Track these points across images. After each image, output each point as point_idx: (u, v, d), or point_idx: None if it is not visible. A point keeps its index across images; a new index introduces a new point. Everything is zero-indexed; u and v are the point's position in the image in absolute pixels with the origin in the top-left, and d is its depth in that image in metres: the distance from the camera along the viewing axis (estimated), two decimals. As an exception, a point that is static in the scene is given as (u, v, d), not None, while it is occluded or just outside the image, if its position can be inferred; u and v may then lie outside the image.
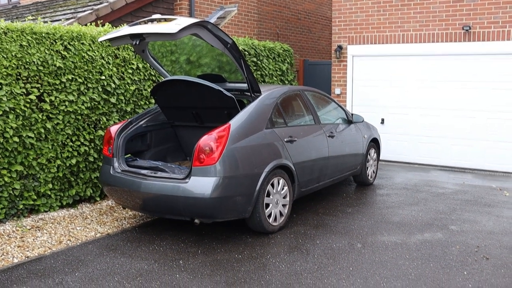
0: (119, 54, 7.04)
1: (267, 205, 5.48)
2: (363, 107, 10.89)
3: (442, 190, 7.99)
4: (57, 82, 6.17)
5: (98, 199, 6.90)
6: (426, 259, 4.90)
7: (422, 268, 4.67)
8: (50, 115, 6.14)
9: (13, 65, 5.74)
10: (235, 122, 5.27)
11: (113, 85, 6.88)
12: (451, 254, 5.07)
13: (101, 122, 6.79)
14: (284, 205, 5.75)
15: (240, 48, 8.56)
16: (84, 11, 9.27)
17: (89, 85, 6.58)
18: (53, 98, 6.12)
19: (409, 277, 4.46)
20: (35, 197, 6.05)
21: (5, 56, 5.70)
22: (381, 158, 10.51)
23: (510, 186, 8.35)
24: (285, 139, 5.78)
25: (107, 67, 6.82)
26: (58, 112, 6.21)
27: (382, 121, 10.70)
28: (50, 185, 6.19)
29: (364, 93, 10.94)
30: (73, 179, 6.52)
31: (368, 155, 8.02)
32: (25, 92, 5.89)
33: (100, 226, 5.85)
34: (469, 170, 9.80)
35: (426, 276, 4.50)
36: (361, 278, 4.43)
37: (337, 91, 11.19)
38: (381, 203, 7.05)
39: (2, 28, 5.75)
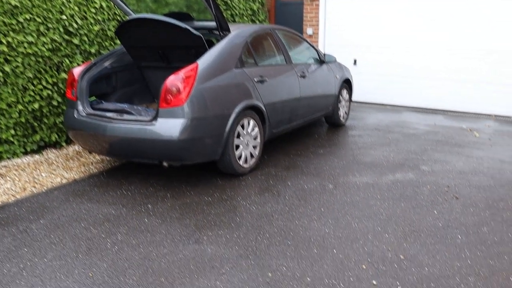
0: (80, -8, 6.68)
1: (237, 147, 5.37)
2: (336, 47, 10.72)
3: (414, 131, 7.98)
4: (14, 22, 5.80)
5: (64, 144, 6.69)
6: (397, 199, 4.90)
7: (393, 208, 4.66)
8: (8, 57, 5.81)
9: (-36, 3, 5.38)
10: (203, 61, 5.07)
11: (75, 25, 6.54)
12: (422, 194, 5.07)
13: (64, 65, 6.49)
14: (254, 147, 5.65)
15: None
16: None
17: (49, 25, 6.23)
18: (10, 39, 5.78)
19: (380, 217, 4.44)
20: (-3, 143, 5.83)
21: (-45, -7, 5.33)
22: (353, 99, 10.47)
23: (480, 127, 8.40)
24: (256, 79, 5.62)
25: (68, 6, 6.46)
26: (16, 54, 5.89)
27: (355, 62, 10.57)
28: (12, 131, 5.95)
29: (337, 33, 10.73)
30: (36, 124, 6.27)
31: (340, 96, 7.91)
32: (-21, 32, 5.56)
33: (66, 171, 5.68)
34: (440, 111, 9.82)
35: (397, 216, 4.49)
36: (333, 218, 4.39)
37: (309, 31, 10.95)
38: (353, 144, 7.01)
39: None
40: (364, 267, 3.55)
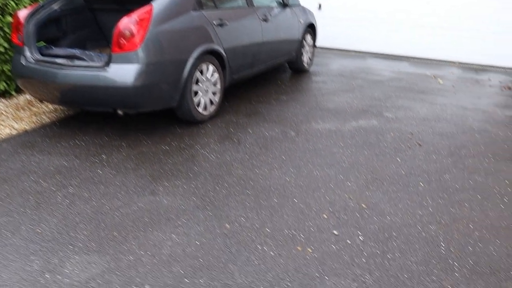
0: None
1: (196, 93, 5.15)
2: (300, -8, 10.38)
3: (378, 77, 7.87)
4: (-49, -42, 5.35)
5: (13, 93, 6.32)
6: (360, 147, 4.80)
7: (356, 156, 4.57)
8: None
9: None
10: (159, 3, 4.75)
11: (20, -36, 6.08)
12: (385, 141, 4.99)
13: (9, 7, 6.04)
14: (214, 93, 5.43)
15: None
16: None
17: (-8, -37, 5.77)
18: None
19: (342, 165, 4.34)
20: None
21: None
22: (317, 44, 10.24)
23: (445, 74, 8.34)
24: (215, 23, 5.34)
25: None
26: (-45, -6, 5.45)
27: (319, 7, 10.29)
28: (-44, 78, 5.58)
29: (301, -24, 10.37)
30: (-18, 72, 5.90)
31: (304, 41, 7.68)
32: None
33: (16, 122, 5.37)
34: (405, 57, 9.71)
35: (360, 163, 4.39)
36: (294, 167, 4.27)
37: (273, -26, 10.55)
38: (317, 90, 6.86)
39: None
40: (325, 216, 3.45)
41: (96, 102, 4.76)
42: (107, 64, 4.60)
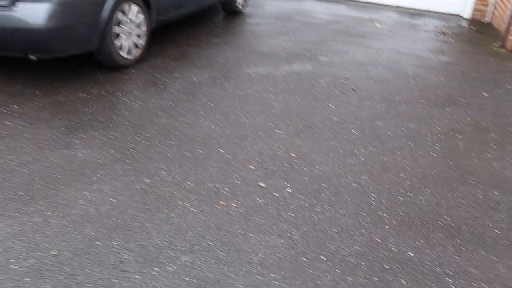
0: None
1: (118, 36, 4.75)
2: None
3: (315, 20, 7.64)
4: None
5: None
6: (292, 92, 4.60)
7: (288, 102, 4.37)
8: None
9: None
10: None
11: None
12: (319, 86, 4.81)
13: None
14: (139, 36, 5.03)
15: None
16: None
17: None
18: None
19: (272, 111, 4.14)
20: None
21: None
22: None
23: (382, 18, 8.21)
24: (137, -42, 4.89)
25: None
26: None
27: None
28: None
29: None
30: None
31: (238, -19, 7.31)
32: None
33: None
34: (343, 0, 9.49)
35: (291, 110, 4.21)
36: (222, 114, 4.03)
37: None
38: (250, 33, 6.55)
39: None
40: (252, 167, 3.26)
41: (3, 46, 4.28)
42: (14, 3, 4.12)
